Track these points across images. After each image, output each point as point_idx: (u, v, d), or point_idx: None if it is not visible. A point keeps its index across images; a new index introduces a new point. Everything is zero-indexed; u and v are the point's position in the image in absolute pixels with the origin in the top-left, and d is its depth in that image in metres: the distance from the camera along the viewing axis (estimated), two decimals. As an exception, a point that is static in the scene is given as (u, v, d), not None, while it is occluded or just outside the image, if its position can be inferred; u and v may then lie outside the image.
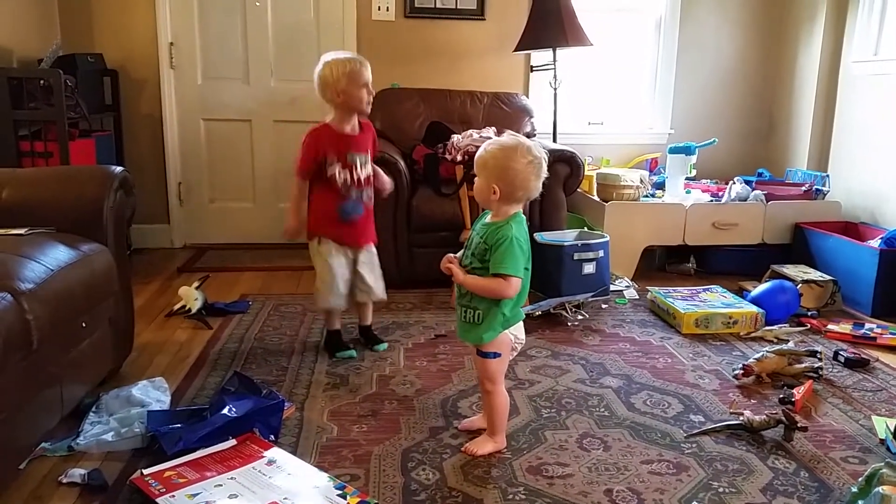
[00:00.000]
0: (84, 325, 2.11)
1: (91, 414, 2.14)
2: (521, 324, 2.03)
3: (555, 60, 4.11)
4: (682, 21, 4.56)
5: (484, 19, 4.40)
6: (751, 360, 2.58)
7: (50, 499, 1.79)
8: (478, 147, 3.65)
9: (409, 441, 2.08)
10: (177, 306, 3.21)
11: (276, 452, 1.96)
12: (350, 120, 2.63)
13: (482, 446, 2.01)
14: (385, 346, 2.81)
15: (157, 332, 2.98)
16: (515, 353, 2.08)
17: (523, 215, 1.97)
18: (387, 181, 2.77)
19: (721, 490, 1.86)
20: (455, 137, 3.76)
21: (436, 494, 1.82)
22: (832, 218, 3.91)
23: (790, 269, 3.54)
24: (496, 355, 1.97)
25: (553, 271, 3.34)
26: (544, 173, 1.91)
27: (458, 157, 3.64)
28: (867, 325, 3.08)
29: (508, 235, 1.87)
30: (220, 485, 1.80)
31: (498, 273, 1.86)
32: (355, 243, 2.67)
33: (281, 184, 4.50)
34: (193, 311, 3.13)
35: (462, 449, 2.02)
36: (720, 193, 4.08)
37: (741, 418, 2.16)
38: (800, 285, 3.32)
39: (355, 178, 2.62)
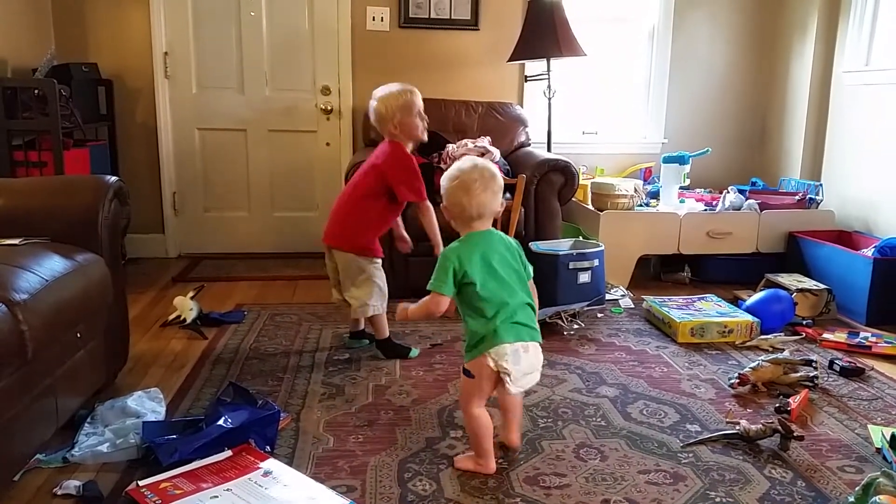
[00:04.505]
0: (79, 335, 2.10)
1: (86, 425, 2.13)
2: (515, 355, 1.89)
3: (549, 70, 4.13)
4: (675, 31, 4.59)
5: (478, 29, 4.42)
6: (746, 369, 2.58)
7: (44, 511, 1.78)
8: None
9: (405, 452, 2.07)
10: (172, 316, 3.20)
11: (271, 464, 1.95)
12: (409, 147, 2.77)
13: (463, 461, 2.00)
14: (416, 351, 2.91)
15: (152, 343, 2.97)
16: (512, 388, 1.90)
17: (490, 233, 2.00)
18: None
19: (718, 500, 1.85)
20: (450, 147, 3.77)
21: (433, 505, 1.81)
22: (826, 227, 3.93)
23: (784, 278, 3.55)
24: (469, 374, 1.95)
25: (548, 280, 3.34)
26: (480, 189, 1.95)
27: (454, 167, 3.64)
28: (862, 334, 3.10)
29: (443, 252, 1.97)
30: (216, 496, 1.79)
31: (428, 289, 1.95)
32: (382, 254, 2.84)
33: (276, 193, 4.51)
34: (188, 321, 3.12)
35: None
36: (714, 202, 4.10)
37: (737, 428, 2.16)
38: (794, 294, 3.33)
39: None
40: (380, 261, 2.78)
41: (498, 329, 1.89)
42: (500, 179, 2.02)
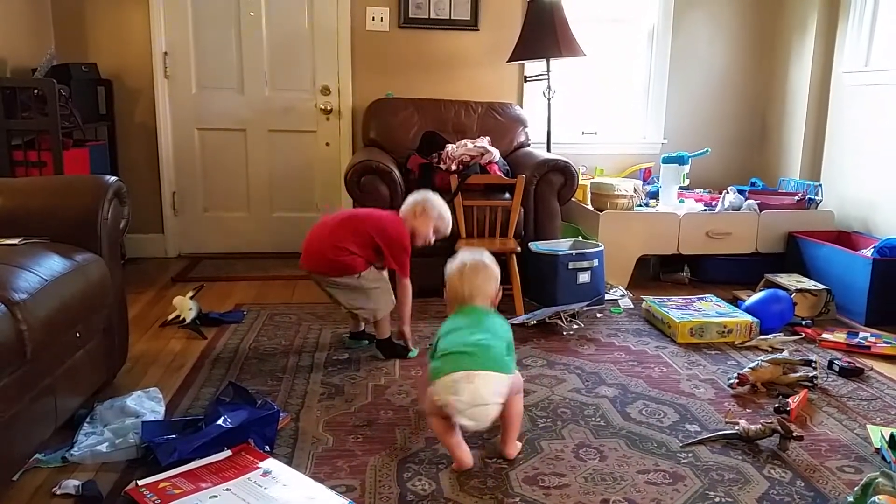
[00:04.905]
0: (78, 335, 2.10)
1: (85, 425, 2.13)
2: (455, 385, 1.89)
3: (548, 71, 4.13)
4: (675, 31, 4.59)
5: (478, 30, 4.42)
6: (746, 369, 2.58)
7: (43, 511, 1.78)
8: (472, 156, 3.71)
9: (404, 451, 2.08)
10: (171, 316, 3.20)
11: (271, 463, 1.95)
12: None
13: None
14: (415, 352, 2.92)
15: (152, 343, 2.97)
16: (460, 420, 1.91)
17: (479, 307, 2.14)
18: None
19: (717, 500, 1.85)
20: (449, 147, 3.77)
21: (432, 505, 1.81)
22: (825, 227, 3.93)
23: (784, 279, 3.55)
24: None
25: (548, 280, 3.35)
26: (471, 274, 2.15)
27: (453, 167, 3.64)
28: (861, 334, 3.10)
29: None
30: (216, 496, 1.79)
31: None
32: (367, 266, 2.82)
33: (276, 193, 4.51)
34: (188, 320, 3.12)
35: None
36: (713, 203, 4.10)
37: (737, 428, 2.16)
38: (794, 294, 3.33)
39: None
40: (365, 270, 2.73)
41: (440, 361, 1.97)
42: (495, 269, 2.19)
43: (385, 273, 2.85)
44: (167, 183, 4.39)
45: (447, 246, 3.40)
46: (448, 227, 2.91)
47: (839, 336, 3.08)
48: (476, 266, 2.16)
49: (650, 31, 4.64)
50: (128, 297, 2.69)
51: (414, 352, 2.85)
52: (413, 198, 2.87)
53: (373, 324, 2.84)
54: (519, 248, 3.36)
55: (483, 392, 1.89)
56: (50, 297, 1.89)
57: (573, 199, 3.83)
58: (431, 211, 2.82)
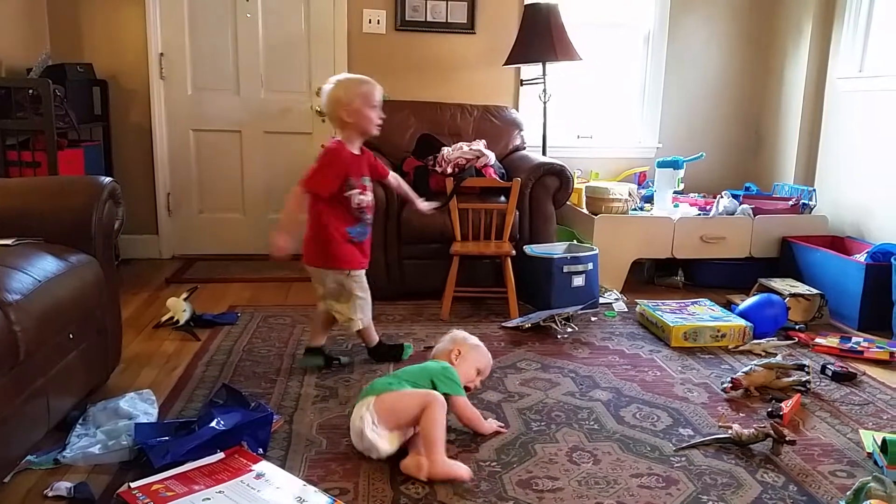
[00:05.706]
0: (71, 336, 2.10)
1: (78, 426, 2.12)
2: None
3: (544, 74, 4.14)
4: (671, 36, 4.60)
5: (474, 33, 4.43)
6: (739, 373, 2.59)
7: (35, 513, 1.78)
8: (468, 160, 3.71)
9: (398, 454, 2.07)
10: (165, 318, 3.19)
11: (264, 466, 1.94)
12: (357, 141, 2.61)
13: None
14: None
15: (145, 344, 2.96)
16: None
17: (425, 364, 2.32)
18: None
19: (710, 504, 1.86)
20: (445, 150, 3.77)
21: (425, 508, 1.81)
22: (819, 232, 3.95)
23: (777, 283, 3.56)
24: None
25: (542, 284, 3.36)
26: (441, 342, 2.43)
27: (449, 170, 3.64)
28: (854, 339, 3.10)
29: None
30: (208, 498, 1.78)
31: None
32: (363, 266, 2.68)
33: (271, 195, 4.50)
34: (181, 322, 3.12)
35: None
36: (708, 207, 4.11)
37: (730, 432, 2.16)
38: (787, 299, 3.34)
39: (368, 201, 2.63)
40: (358, 272, 2.64)
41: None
42: (460, 339, 2.38)
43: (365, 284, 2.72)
44: (162, 184, 4.38)
45: (443, 248, 3.41)
46: (377, 88, 2.56)
47: (832, 341, 3.09)
48: (447, 335, 2.42)
49: (646, 35, 4.65)
50: (121, 298, 2.69)
51: (409, 349, 2.85)
52: (330, 95, 2.53)
53: (358, 335, 2.76)
54: (514, 252, 3.36)
55: (354, 416, 2.06)
56: (43, 298, 1.88)
57: (568, 202, 3.84)
58: (363, 98, 2.51)
